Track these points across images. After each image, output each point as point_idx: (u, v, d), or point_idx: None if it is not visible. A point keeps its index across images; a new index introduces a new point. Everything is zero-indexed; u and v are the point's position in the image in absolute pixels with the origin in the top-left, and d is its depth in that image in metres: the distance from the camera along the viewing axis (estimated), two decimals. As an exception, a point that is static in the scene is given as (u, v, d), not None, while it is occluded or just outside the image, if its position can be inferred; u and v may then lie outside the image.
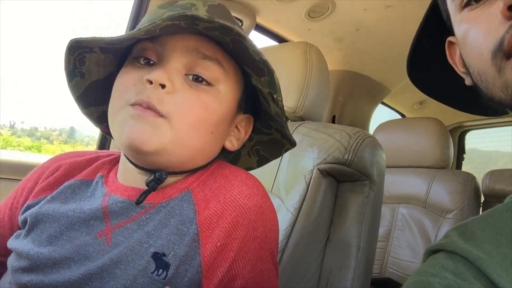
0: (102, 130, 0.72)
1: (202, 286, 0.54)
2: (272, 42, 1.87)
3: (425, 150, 2.04)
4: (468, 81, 0.52)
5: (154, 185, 0.58)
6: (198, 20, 0.52)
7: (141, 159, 0.58)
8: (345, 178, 0.92)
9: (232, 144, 0.67)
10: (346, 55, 2.04)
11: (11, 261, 0.60)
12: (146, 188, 0.59)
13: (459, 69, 0.55)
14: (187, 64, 0.58)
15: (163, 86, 0.55)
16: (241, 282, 0.55)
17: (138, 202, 0.58)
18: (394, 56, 1.95)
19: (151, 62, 0.59)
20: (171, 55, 0.58)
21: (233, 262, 0.55)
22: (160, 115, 0.54)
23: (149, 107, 0.54)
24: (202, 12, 0.58)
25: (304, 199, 0.87)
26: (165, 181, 0.60)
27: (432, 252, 0.48)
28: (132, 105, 0.55)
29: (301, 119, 1.07)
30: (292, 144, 0.70)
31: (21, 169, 1.48)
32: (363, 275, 0.88)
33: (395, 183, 2.09)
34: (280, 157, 1.00)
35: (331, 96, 2.15)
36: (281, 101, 0.62)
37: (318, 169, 0.89)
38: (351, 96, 2.22)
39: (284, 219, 0.87)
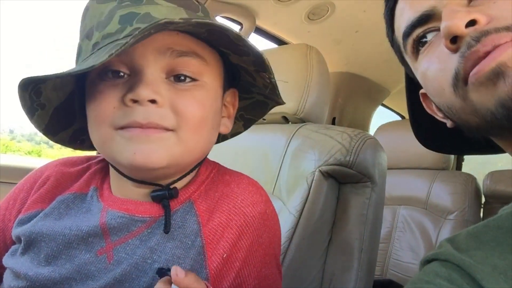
0: (75, 149, 0.68)
1: None
2: (271, 45, 1.87)
3: (425, 151, 2.01)
4: (449, 124, 0.55)
5: (167, 202, 0.56)
6: (171, 24, 0.46)
7: (146, 174, 0.56)
8: (347, 180, 0.91)
9: (226, 126, 0.64)
10: (346, 57, 2.04)
11: (8, 280, 0.58)
12: (144, 199, 0.57)
13: (438, 116, 0.57)
14: (165, 67, 0.53)
15: (152, 101, 0.50)
16: (254, 283, 0.55)
17: (167, 231, 0.55)
18: (394, 58, 1.93)
19: (121, 73, 0.53)
20: (144, 62, 0.52)
21: (239, 270, 0.55)
22: (166, 129, 0.52)
23: (151, 127, 0.51)
24: (164, 9, 0.52)
25: (306, 201, 0.87)
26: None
27: (427, 261, 0.50)
28: (123, 128, 0.51)
29: (302, 121, 1.07)
30: (279, 103, 0.66)
31: (20, 173, 1.49)
32: (365, 277, 0.88)
33: (396, 184, 2.08)
34: (282, 159, 1.00)
35: (331, 98, 2.15)
36: (273, 77, 0.59)
37: (320, 171, 0.89)
38: (351, 98, 2.22)
39: (286, 222, 0.87)
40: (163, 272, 0.52)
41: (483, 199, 2.10)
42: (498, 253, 0.43)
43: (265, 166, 1.04)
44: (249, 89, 0.67)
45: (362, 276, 0.87)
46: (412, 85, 0.61)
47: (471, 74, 0.42)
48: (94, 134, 0.55)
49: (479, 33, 0.41)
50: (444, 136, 0.61)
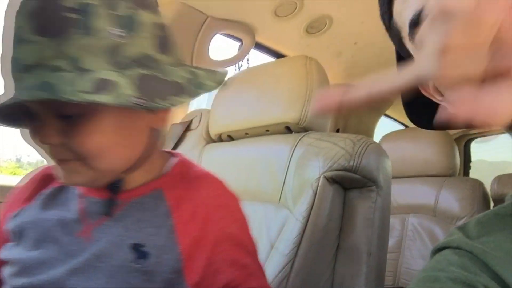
0: None
1: (184, 276, 0.58)
2: (272, 60, 1.90)
3: (431, 158, 2.04)
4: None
5: (116, 189, 0.63)
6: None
7: None
8: (352, 185, 0.92)
9: (163, 120, 0.64)
10: (346, 68, 2.06)
11: (6, 271, 0.64)
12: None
13: (437, 99, 0.56)
14: (53, 108, 0.54)
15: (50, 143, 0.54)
16: (224, 276, 0.59)
17: (107, 214, 0.62)
18: (394, 68, 1.96)
19: None
20: (37, 107, 0.54)
21: (211, 255, 0.60)
22: (74, 160, 0.56)
23: (62, 160, 0.56)
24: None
25: (312, 208, 0.87)
26: (134, 179, 0.64)
27: (438, 250, 0.49)
28: None
29: (305, 130, 1.08)
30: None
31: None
32: (375, 281, 0.87)
33: (403, 193, 2.08)
34: (286, 169, 1.01)
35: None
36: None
37: (325, 177, 0.89)
38: (353, 109, 2.23)
39: (293, 229, 0.87)
40: (137, 248, 0.58)
41: (492, 204, 2.09)
42: (510, 239, 0.43)
43: (270, 176, 1.05)
44: None
45: (371, 280, 0.87)
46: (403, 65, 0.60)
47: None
48: None
49: None
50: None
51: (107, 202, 0.62)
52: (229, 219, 0.63)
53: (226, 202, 0.65)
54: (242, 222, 0.66)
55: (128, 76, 0.53)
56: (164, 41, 0.59)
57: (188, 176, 0.67)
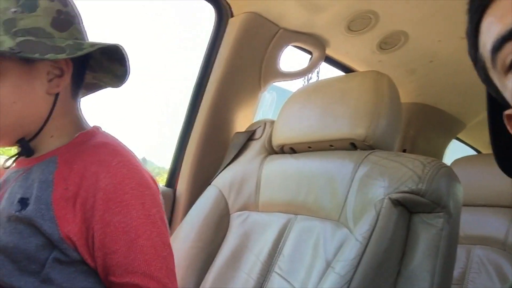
0: None
1: (57, 223, 0.68)
2: (342, 74, 1.87)
3: (504, 188, 1.90)
4: None
5: (21, 151, 0.80)
6: None
7: None
8: (418, 209, 0.87)
9: (57, 85, 0.77)
10: (418, 87, 1.99)
11: None
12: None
13: None
14: None
15: None
16: (97, 226, 0.69)
17: (7, 167, 0.81)
18: (470, 89, 1.87)
19: None
20: None
21: (82, 206, 0.69)
22: None
23: None
24: None
25: (374, 229, 0.84)
26: (45, 147, 0.79)
27: None
28: None
29: (371, 148, 1.05)
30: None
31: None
32: (437, 314, 0.82)
33: (471, 222, 1.95)
34: (349, 186, 0.98)
35: (402, 129, 2.09)
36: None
37: (389, 198, 0.86)
38: (423, 130, 2.15)
39: (352, 249, 0.84)
40: (23, 201, 0.71)
41: None
42: None
43: (331, 192, 1.02)
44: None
45: (433, 313, 0.82)
46: (495, 107, 0.57)
47: None
48: None
49: None
50: None
51: (18, 170, 0.79)
52: (103, 173, 0.70)
53: (106, 159, 0.72)
54: (123, 177, 0.72)
55: (15, 38, 0.69)
56: (59, 22, 0.74)
57: (86, 143, 0.78)
